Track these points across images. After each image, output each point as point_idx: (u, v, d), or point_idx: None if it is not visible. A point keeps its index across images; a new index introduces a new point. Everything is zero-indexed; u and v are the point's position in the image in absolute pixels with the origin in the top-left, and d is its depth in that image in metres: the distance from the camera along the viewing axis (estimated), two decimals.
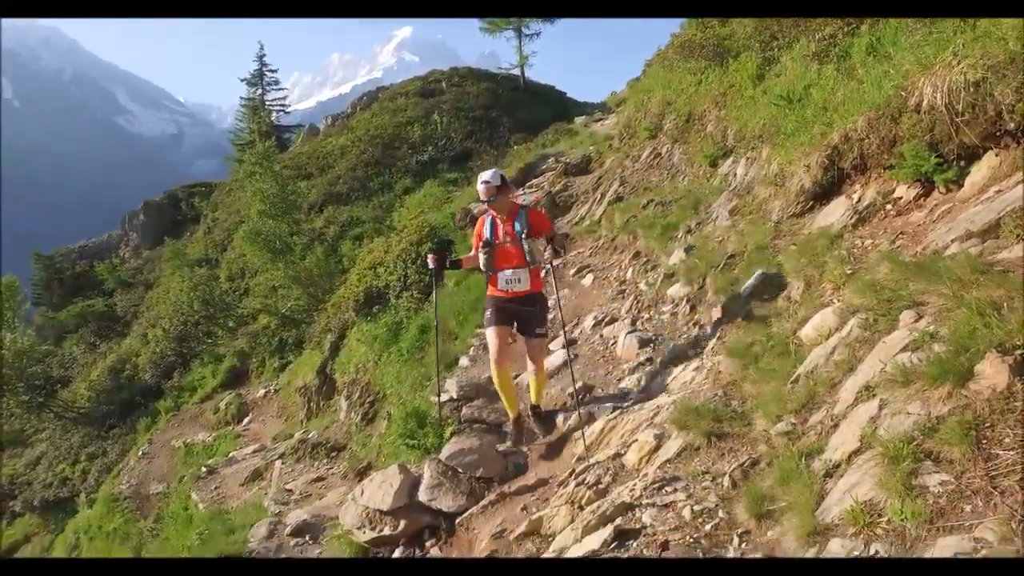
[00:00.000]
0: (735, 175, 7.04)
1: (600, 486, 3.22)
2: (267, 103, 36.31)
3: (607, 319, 6.13)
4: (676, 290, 5.76)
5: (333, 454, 7.81)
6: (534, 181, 13.22)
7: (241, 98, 36.41)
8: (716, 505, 2.57)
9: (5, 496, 17.74)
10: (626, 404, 4.39)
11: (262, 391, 14.01)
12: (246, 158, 20.34)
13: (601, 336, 5.84)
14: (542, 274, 4.73)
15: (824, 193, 5.12)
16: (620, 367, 5.10)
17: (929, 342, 2.42)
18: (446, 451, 4.37)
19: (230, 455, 10.29)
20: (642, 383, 4.62)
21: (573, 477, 3.57)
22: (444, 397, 5.32)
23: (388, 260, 10.52)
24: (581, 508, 3.08)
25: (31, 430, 20.25)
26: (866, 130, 4.54)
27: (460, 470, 4.13)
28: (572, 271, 8.05)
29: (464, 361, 6.62)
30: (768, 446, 2.82)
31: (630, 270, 7.07)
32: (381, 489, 4.15)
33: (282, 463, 8.22)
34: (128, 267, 31.40)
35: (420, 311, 8.58)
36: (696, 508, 2.57)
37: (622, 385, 4.78)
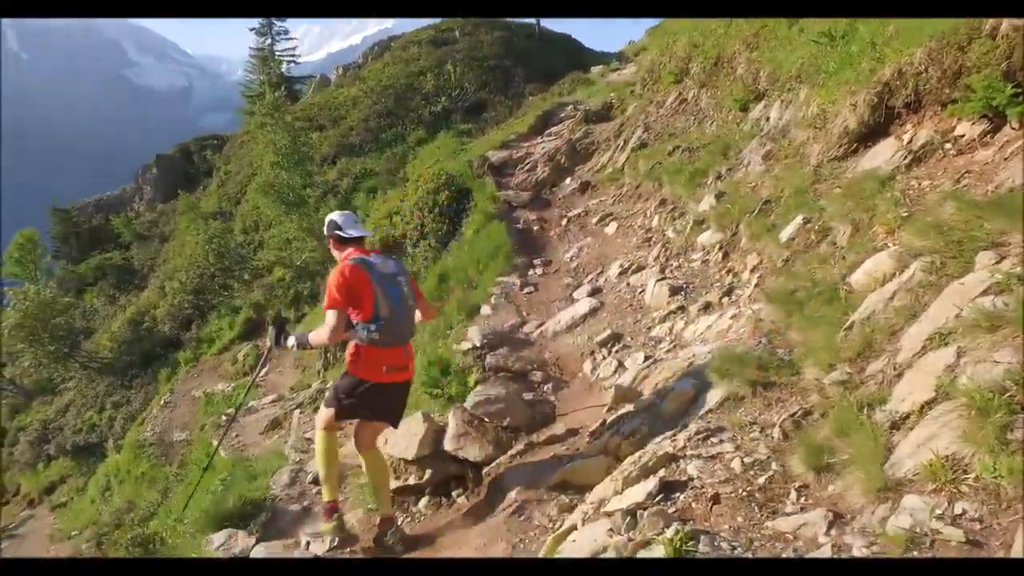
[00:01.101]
0: (768, 119, 6.69)
1: (636, 436, 3.08)
2: (277, 53, 35.40)
3: (633, 267, 5.92)
4: (707, 237, 5.51)
5: None
6: (553, 129, 12.82)
7: (250, 48, 35.49)
8: (768, 457, 2.40)
9: (39, 440, 18.37)
10: (658, 352, 4.22)
11: None
12: (257, 109, 19.91)
13: (628, 284, 5.65)
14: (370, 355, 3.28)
15: (869, 134, 4.78)
16: (650, 315, 4.91)
17: (1017, 284, 2.19)
18: (471, 400, 4.24)
19: (249, 404, 10.36)
20: (674, 331, 4.44)
21: (606, 427, 3.44)
22: (467, 346, 5.18)
23: (404, 209, 10.28)
24: (618, 459, 2.94)
25: (59, 379, 20.77)
26: (925, 62, 4.17)
27: (486, 419, 4.01)
28: (595, 219, 7.80)
29: (486, 309, 6.45)
30: (821, 396, 2.64)
31: (656, 218, 6.80)
32: (404, 439, 4.05)
33: (300, 412, 8.23)
34: (143, 221, 31.41)
35: (438, 260, 8.40)
36: (746, 460, 2.40)
37: (653, 334, 4.60)
